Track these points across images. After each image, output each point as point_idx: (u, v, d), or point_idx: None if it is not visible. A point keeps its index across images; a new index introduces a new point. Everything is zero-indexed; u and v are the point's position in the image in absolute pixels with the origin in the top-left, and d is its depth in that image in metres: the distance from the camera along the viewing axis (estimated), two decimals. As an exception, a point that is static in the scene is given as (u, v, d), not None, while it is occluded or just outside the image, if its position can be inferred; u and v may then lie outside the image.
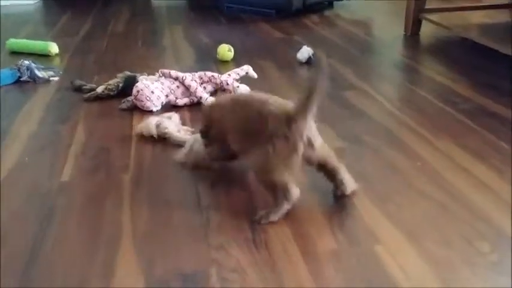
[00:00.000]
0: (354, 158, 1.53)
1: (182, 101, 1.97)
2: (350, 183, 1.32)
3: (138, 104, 1.91)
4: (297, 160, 1.22)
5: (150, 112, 1.89)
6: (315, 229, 1.20)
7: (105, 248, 1.16)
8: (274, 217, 1.23)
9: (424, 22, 2.90)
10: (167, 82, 1.98)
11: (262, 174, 1.25)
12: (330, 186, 1.35)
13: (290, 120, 1.21)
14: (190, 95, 1.98)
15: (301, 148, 1.21)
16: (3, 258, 1.14)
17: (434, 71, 2.31)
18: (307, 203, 1.30)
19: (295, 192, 1.24)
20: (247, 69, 2.14)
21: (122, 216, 1.28)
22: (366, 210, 1.27)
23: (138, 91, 1.89)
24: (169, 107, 1.94)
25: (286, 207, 1.24)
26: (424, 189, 1.36)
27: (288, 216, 1.25)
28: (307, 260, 1.10)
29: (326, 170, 1.31)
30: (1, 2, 4.20)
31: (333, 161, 1.31)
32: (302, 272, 1.06)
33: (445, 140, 1.62)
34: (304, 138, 1.22)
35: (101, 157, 1.58)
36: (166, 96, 1.95)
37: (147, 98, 1.89)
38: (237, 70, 2.12)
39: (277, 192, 1.23)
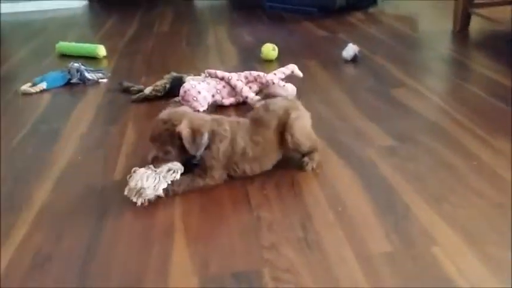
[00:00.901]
0: (405, 157, 1.50)
1: (228, 100, 1.97)
2: None
3: (185, 104, 1.92)
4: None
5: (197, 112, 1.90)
6: (368, 231, 1.18)
7: (159, 246, 1.17)
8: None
9: (473, 17, 2.82)
10: (213, 82, 1.99)
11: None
12: (381, 188, 1.33)
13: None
14: (236, 94, 1.99)
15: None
16: (60, 254, 1.16)
17: (485, 67, 2.24)
18: (359, 205, 1.28)
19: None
20: (292, 68, 2.13)
21: (174, 215, 1.29)
22: (420, 211, 1.24)
23: (185, 91, 1.91)
24: (215, 107, 1.94)
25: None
26: (480, 189, 1.32)
27: (340, 218, 1.23)
28: (361, 262, 1.08)
29: None
30: (48, 5, 4.30)
31: None
32: (357, 274, 1.05)
33: (500, 137, 1.57)
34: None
35: (151, 157, 1.59)
36: (213, 96, 1.96)
37: (194, 99, 1.90)
38: (283, 69, 2.11)
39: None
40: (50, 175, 1.53)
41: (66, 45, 2.86)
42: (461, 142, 1.57)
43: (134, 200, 1.33)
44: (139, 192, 1.33)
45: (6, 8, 4.26)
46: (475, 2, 2.81)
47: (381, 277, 1.03)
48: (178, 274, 1.08)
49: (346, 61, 2.44)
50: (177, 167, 1.39)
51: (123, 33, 3.35)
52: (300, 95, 2.03)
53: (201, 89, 1.93)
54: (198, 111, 1.91)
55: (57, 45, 2.86)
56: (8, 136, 1.81)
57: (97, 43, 2.85)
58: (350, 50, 2.43)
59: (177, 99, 1.96)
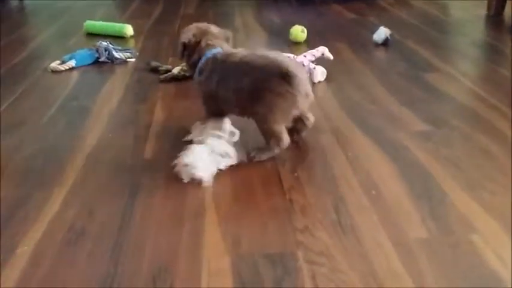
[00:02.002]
0: (440, 142, 1.46)
1: None
2: (311, 117, 1.49)
3: None
4: (295, 112, 1.41)
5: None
6: (404, 217, 1.15)
7: (190, 225, 1.16)
8: (264, 157, 1.42)
9: (508, 2, 2.74)
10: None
11: (263, 124, 1.41)
12: (416, 173, 1.30)
13: (291, 78, 1.35)
14: None
15: (300, 102, 1.38)
16: (93, 230, 1.16)
17: (520, 53, 2.18)
18: (393, 190, 1.26)
19: (286, 139, 1.41)
20: (322, 50, 2.09)
21: (205, 196, 1.28)
22: (457, 197, 1.21)
23: None
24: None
25: (276, 151, 1.42)
26: (518, 176, 1.28)
27: (374, 202, 1.21)
28: (397, 248, 1.05)
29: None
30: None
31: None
32: (393, 260, 1.02)
33: (538, 124, 1.53)
34: (303, 92, 1.38)
35: (180, 136, 1.58)
36: None
37: None
38: (313, 51, 2.08)
39: (272, 139, 1.41)
40: (81, 152, 1.52)
41: (93, 24, 2.85)
42: (496, 127, 1.53)
43: (184, 177, 1.33)
44: (190, 170, 1.33)
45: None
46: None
47: (418, 263, 1.01)
48: (210, 253, 1.07)
49: (377, 44, 2.39)
50: (232, 153, 1.40)
51: (149, 14, 3.34)
52: (330, 78, 2.01)
53: None
54: None
55: (84, 24, 2.86)
56: (38, 113, 1.81)
57: (124, 23, 2.84)
58: (381, 33, 2.39)
59: None
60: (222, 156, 1.39)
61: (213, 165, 1.36)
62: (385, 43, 2.37)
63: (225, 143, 1.44)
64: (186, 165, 1.33)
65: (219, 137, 1.46)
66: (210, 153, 1.38)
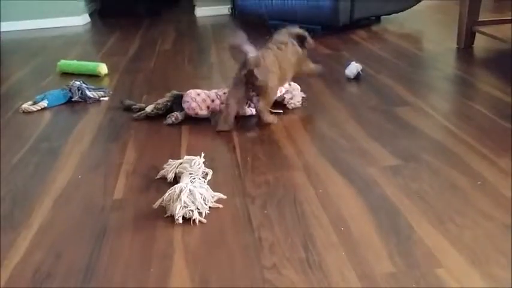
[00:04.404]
0: (409, 177, 1.48)
1: None
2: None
3: (185, 106, 1.95)
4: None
5: (199, 124, 1.89)
6: (372, 252, 1.15)
7: (158, 266, 1.15)
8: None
9: (477, 35, 2.81)
10: (213, 91, 2.04)
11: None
12: (385, 208, 1.31)
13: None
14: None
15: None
16: (60, 272, 1.14)
17: (490, 85, 2.22)
18: (362, 225, 1.26)
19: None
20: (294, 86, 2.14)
21: (174, 235, 1.27)
22: (424, 232, 1.22)
23: (185, 94, 1.99)
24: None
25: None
26: (485, 209, 1.29)
27: (343, 238, 1.21)
28: (364, 283, 1.05)
29: None
30: (49, 23, 4.32)
31: None
32: (360, 296, 1.02)
33: (506, 157, 1.55)
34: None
35: (151, 175, 1.58)
36: (213, 101, 1.98)
37: (193, 99, 1.96)
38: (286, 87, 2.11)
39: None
40: (50, 194, 1.51)
41: (67, 64, 2.86)
42: (465, 161, 1.55)
43: (177, 217, 1.32)
44: (184, 210, 1.33)
45: (7, 26, 4.29)
46: (479, 20, 2.80)
47: (385, 300, 1.01)
48: (176, 296, 1.06)
49: (349, 79, 2.43)
50: (210, 193, 1.41)
51: (125, 51, 3.36)
52: (303, 113, 2.02)
53: (200, 92, 1.99)
54: (197, 113, 1.92)
55: (58, 64, 2.86)
56: (8, 154, 1.80)
57: (99, 61, 2.86)
58: (353, 68, 2.42)
59: (174, 113, 1.99)
60: (201, 195, 1.38)
61: (204, 205, 1.36)
62: (357, 78, 2.40)
63: (202, 182, 1.44)
64: (180, 204, 1.33)
65: (194, 176, 1.47)
66: (191, 193, 1.37)
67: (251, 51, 1.85)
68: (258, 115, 1.95)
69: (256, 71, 1.85)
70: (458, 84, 2.32)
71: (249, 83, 1.88)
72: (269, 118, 1.94)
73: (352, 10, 3.44)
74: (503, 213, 1.27)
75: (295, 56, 2.03)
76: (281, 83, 2.00)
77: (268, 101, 1.94)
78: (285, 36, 2.05)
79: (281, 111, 2.05)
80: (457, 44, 2.87)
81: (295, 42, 2.04)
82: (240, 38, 1.87)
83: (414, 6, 3.81)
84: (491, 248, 1.14)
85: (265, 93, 1.91)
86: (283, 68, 1.96)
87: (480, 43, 2.85)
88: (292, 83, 2.14)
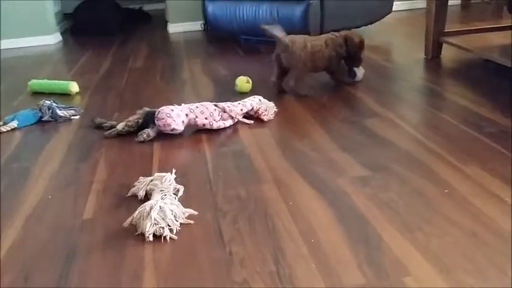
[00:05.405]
0: (378, 187, 1.50)
1: (201, 120, 1.99)
2: None
3: (160, 123, 1.94)
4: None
5: (171, 141, 1.89)
6: (341, 263, 1.17)
7: (128, 286, 1.14)
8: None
9: (444, 45, 2.87)
10: (185, 105, 2.04)
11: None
12: (354, 219, 1.32)
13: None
14: (210, 116, 2.02)
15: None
16: (25, 301, 1.13)
17: (457, 95, 2.27)
18: (332, 237, 1.27)
19: None
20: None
21: (144, 253, 1.26)
22: (393, 241, 1.23)
23: (158, 112, 1.97)
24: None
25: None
26: (453, 217, 1.32)
27: (313, 250, 1.22)
28: (334, 295, 1.06)
29: None
30: (20, 43, 4.29)
31: None
32: (330, 308, 1.03)
33: (472, 165, 1.58)
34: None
35: (122, 194, 1.57)
36: (186, 115, 1.98)
37: (168, 115, 1.95)
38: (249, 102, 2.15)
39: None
40: (19, 215, 1.49)
41: (38, 83, 2.83)
42: (433, 170, 1.57)
43: (147, 235, 1.31)
44: (154, 227, 1.32)
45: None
46: (446, 30, 2.86)
47: (354, 311, 1.02)
48: (147, 314, 1.05)
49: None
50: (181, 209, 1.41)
51: (97, 68, 3.34)
52: (274, 127, 2.04)
53: (174, 107, 2.00)
54: (173, 129, 1.92)
55: (29, 83, 2.84)
56: (-24, 176, 1.77)
57: (70, 79, 2.84)
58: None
59: (146, 130, 1.99)
60: (172, 212, 1.38)
61: (175, 221, 1.35)
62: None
63: (173, 199, 1.44)
64: (150, 222, 1.32)
65: (165, 193, 1.47)
66: (162, 210, 1.37)
67: (282, 36, 2.36)
68: (231, 127, 1.98)
69: (283, 56, 2.36)
70: (427, 95, 2.37)
71: (278, 64, 2.40)
72: (302, 91, 2.39)
73: (322, 23, 3.48)
74: (470, 220, 1.30)
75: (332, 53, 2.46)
76: (310, 66, 2.41)
77: (297, 79, 2.39)
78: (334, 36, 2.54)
79: (251, 121, 2.08)
80: (425, 54, 2.93)
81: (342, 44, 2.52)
82: (275, 29, 2.43)
83: (383, 19, 3.88)
84: (459, 255, 1.16)
85: (293, 72, 2.38)
86: (314, 54, 2.39)
87: (447, 53, 2.91)
88: (261, 98, 2.16)
